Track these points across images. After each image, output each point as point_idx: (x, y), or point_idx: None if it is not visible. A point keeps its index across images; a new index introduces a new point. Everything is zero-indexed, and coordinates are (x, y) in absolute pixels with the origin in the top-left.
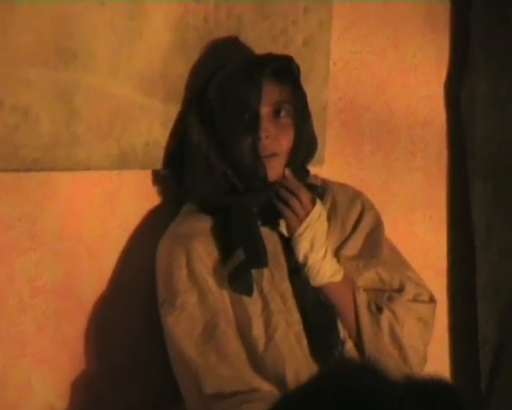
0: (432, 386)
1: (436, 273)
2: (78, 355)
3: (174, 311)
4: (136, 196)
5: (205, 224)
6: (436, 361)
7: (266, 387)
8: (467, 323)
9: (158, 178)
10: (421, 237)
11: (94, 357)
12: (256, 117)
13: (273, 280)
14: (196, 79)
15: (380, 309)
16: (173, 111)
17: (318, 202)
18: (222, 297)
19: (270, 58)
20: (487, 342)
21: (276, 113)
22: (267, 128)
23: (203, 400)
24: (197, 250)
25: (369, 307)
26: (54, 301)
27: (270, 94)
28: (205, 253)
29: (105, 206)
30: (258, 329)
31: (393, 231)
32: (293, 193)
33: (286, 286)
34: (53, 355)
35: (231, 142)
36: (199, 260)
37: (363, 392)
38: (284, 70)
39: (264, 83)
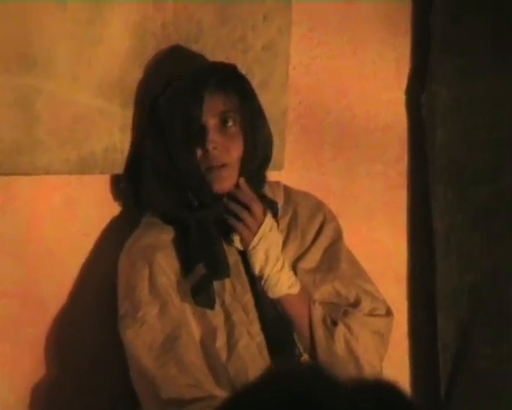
0: (383, 390)
1: (396, 279)
2: (40, 359)
3: (135, 324)
4: (96, 200)
5: (166, 235)
6: (396, 367)
7: (226, 396)
8: (427, 329)
9: (118, 184)
10: (381, 243)
11: (55, 361)
12: (202, 130)
13: (235, 292)
14: (154, 85)
15: (335, 323)
16: (132, 116)
17: (269, 214)
18: (184, 310)
19: (213, 68)
20: (447, 349)
21: (224, 122)
22: (214, 139)
23: (160, 405)
24: (159, 263)
25: (324, 320)
26: (15, 305)
27: (215, 105)
28: (167, 266)
29: (65, 210)
30: (221, 340)
31: (354, 237)
32: (244, 204)
33: (248, 298)
34: (14, 359)
35: (178, 156)
36: (161, 272)
37: (310, 394)
38: (229, 79)
39: (209, 94)
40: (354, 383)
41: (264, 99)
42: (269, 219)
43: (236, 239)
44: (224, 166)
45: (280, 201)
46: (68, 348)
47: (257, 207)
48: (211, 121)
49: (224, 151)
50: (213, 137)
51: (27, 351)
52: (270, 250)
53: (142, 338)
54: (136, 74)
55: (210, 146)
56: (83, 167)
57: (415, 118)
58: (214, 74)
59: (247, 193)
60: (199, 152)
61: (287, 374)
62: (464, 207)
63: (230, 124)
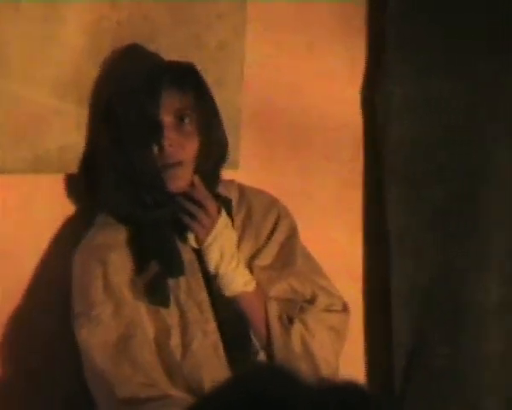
0: (346, 390)
1: (351, 278)
2: None
3: (89, 323)
4: (50, 199)
5: (120, 235)
6: (351, 365)
7: (181, 395)
8: (382, 327)
9: (72, 183)
10: (336, 242)
11: (8, 360)
12: (157, 126)
13: (190, 290)
14: (109, 83)
15: (291, 320)
16: (87, 115)
17: (223, 212)
18: (138, 309)
19: (169, 66)
20: (401, 346)
21: (180, 120)
22: (170, 136)
23: (115, 405)
24: (113, 262)
25: (280, 318)
26: None
27: (171, 102)
28: (121, 264)
29: (19, 209)
30: (175, 339)
31: (309, 236)
32: (199, 203)
33: (203, 296)
34: None
35: (134, 153)
36: (115, 271)
37: (276, 396)
38: (185, 77)
39: (165, 91)
40: (318, 383)
41: (219, 98)
42: (223, 217)
43: (191, 237)
44: (179, 163)
45: (234, 199)
46: (22, 348)
47: (211, 206)
48: (167, 118)
49: (180, 149)
50: (169, 134)
51: None
52: (224, 248)
53: (96, 337)
54: (91, 73)
55: (166, 143)
56: (37, 166)
57: (369, 117)
58: (171, 71)
59: (201, 191)
60: (154, 149)
61: (251, 377)
62: (418, 207)
63: (186, 122)
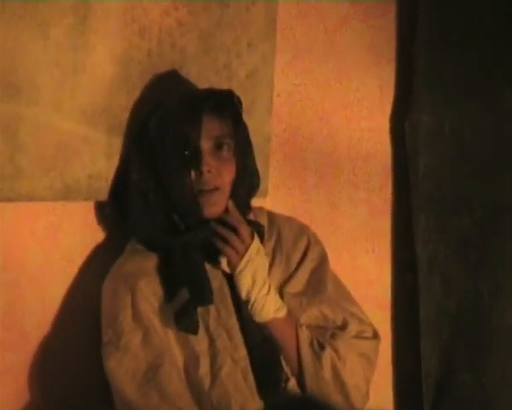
0: None
1: (379, 306)
2: (22, 386)
3: (117, 352)
4: (79, 227)
5: (150, 262)
6: (380, 394)
7: None
8: (410, 356)
9: (102, 211)
10: (364, 270)
11: (37, 388)
12: (197, 152)
13: (219, 317)
14: (139, 112)
15: (322, 347)
16: (117, 143)
17: (256, 238)
18: (167, 337)
19: (210, 93)
20: (430, 375)
21: (218, 147)
22: (209, 162)
23: None
24: (142, 290)
25: (311, 344)
26: None
27: (211, 128)
28: (150, 292)
29: (48, 237)
30: (204, 367)
31: (336, 264)
32: (232, 228)
33: (232, 322)
34: None
35: (171, 179)
36: (144, 299)
37: None
38: (225, 104)
39: (205, 118)
40: None
41: (249, 126)
42: (256, 243)
43: (224, 262)
44: (215, 189)
45: (264, 225)
46: (51, 376)
47: (244, 231)
48: (206, 144)
49: (217, 175)
50: (208, 160)
51: (10, 378)
52: (256, 274)
53: (124, 367)
54: (121, 101)
55: (205, 169)
56: (67, 194)
57: (398, 146)
58: (212, 98)
59: (235, 216)
60: (192, 174)
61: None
62: (446, 236)
63: (224, 149)
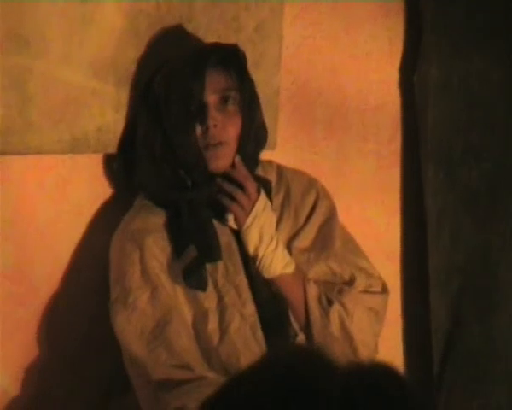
0: (382, 374)
1: (388, 258)
2: (31, 340)
3: (125, 309)
4: (88, 180)
5: (158, 218)
6: (389, 347)
7: (217, 376)
8: (420, 308)
9: (110, 164)
10: (373, 222)
11: (46, 342)
12: (203, 106)
13: (227, 273)
14: (148, 65)
15: (330, 302)
16: (125, 96)
17: (262, 193)
18: (175, 293)
19: (214, 47)
20: (439, 328)
21: (223, 101)
22: (214, 117)
23: (152, 388)
24: (150, 247)
25: (319, 300)
26: (6, 286)
27: (216, 82)
28: (158, 249)
29: (57, 190)
30: (213, 323)
31: (346, 216)
32: (238, 184)
33: (241, 278)
34: (5, 339)
35: (176, 134)
36: (152, 256)
37: (305, 378)
38: (230, 58)
39: (210, 72)
40: (350, 366)
41: (257, 79)
42: (262, 198)
43: (231, 219)
44: (221, 143)
45: (273, 179)
46: (60, 330)
47: (251, 186)
48: (211, 98)
49: (223, 129)
50: (214, 114)
51: (19, 332)
52: (263, 230)
53: (132, 324)
54: (130, 54)
55: (210, 123)
56: (75, 147)
57: (407, 98)
58: (216, 52)
59: (241, 171)
60: (198, 129)
61: (282, 358)
62: (455, 188)
63: (230, 102)
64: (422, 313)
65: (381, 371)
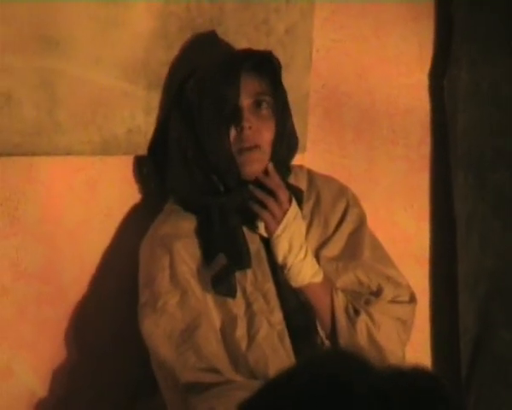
0: (419, 377)
1: (417, 262)
2: (59, 340)
3: (154, 313)
4: (118, 182)
5: (188, 224)
6: (417, 350)
7: (246, 380)
8: (448, 312)
9: (140, 166)
10: (402, 226)
11: (75, 343)
12: (237, 110)
13: (256, 281)
14: (179, 67)
15: (357, 312)
16: (156, 98)
17: (294, 202)
18: (204, 299)
19: (248, 53)
20: (467, 333)
21: (257, 105)
22: (249, 119)
23: (180, 391)
24: (180, 252)
25: (346, 309)
26: (35, 286)
27: (250, 86)
28: (188, 255)
29: (87, 191)
30: (241, 329)
31: (374, 220)
32: (270, 191)
33: (269, 286)
34: (34, 340)
35: (209, 139)
36: (182, 261)
37: (354, 380)
38: (264, 64)
39: (244, 76)
40: (387, 369)
41: (287, 82)
42: (294, 208)
43: (261, 226)
44: (256, 147)
45: (303, 186)
46: (88, 330)
47: (283, 195)
48: (246, 102)
49: (257, 132)
50: (248, 116)
51: (47, 332)
52: (293, 239)
53: (161, 328)
54: (161, 57)
55: (246, 125)
56: (105, 149)
57: (436, 102)
58: (250, 58)
59: (274, 179)
60: (232, 133)
61: (319, 361)
62: (485, 193)
63: (264, 107)
64: (451, 317)
65: (418, 374)
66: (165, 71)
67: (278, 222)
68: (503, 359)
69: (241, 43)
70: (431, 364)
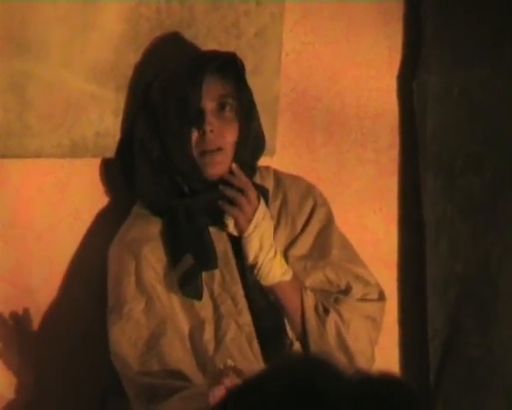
0: (387, 383)
1: (386, 266)
2: (27, 343)
3: (120, 319)
4: (87, 184)
5: (154, 228)
6: (386, 354)
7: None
8: (417, 316)
9: (109, 168)
10: (371, 230)
11: (43, 345)
12: (200, 112)
13: (224, 282)
14: (147, 70)
15: (327, 311)
16: (124, 101)
17: (262, 201)
18: (171, 304)
19: (212, 55)
20: (437, 336)
21: (221, 108)
22: (212, 122)
23: (141, 399)
24: (147, 256)
25: (316, 308)
26: (3, 288)
27: (214, 89)
28: (155, 258)
29: (56, 194)
30: (208, 333)
31: (343, 223)
32: (239, 189)
33: (237, 288)
34: (1, 343)
35: (172, 141)
36: (148, 266)
37: (317, 386)
38: (228, 66)
39: (208, 78)
40: (358, 375)
41: (257, 85)
42: (262, 206)
43: (230, 224)
44: (218, 150)
45: (270, 186)
46: (56, 333)
47: (252, 193)
48: (209, 105)
49: (220, 135)
50: (211, 120)
51: (15, 334)
52: (263, 237)
53: (127, 334)
54: (130, 59)
55: (207, 128)
56: (74, 152)
57: (406, 106)
58: (214, 60)
59: (241, 178)
60: (194, 135)
61: (291, 367)
62: (455, 196)
63: (227, 109)
64: (420, 321)
65: (390, 381)
66: (134, 73)
67: (249, 220)
68: (473, 363)
69: (210, 45)
70: (399, 368)
